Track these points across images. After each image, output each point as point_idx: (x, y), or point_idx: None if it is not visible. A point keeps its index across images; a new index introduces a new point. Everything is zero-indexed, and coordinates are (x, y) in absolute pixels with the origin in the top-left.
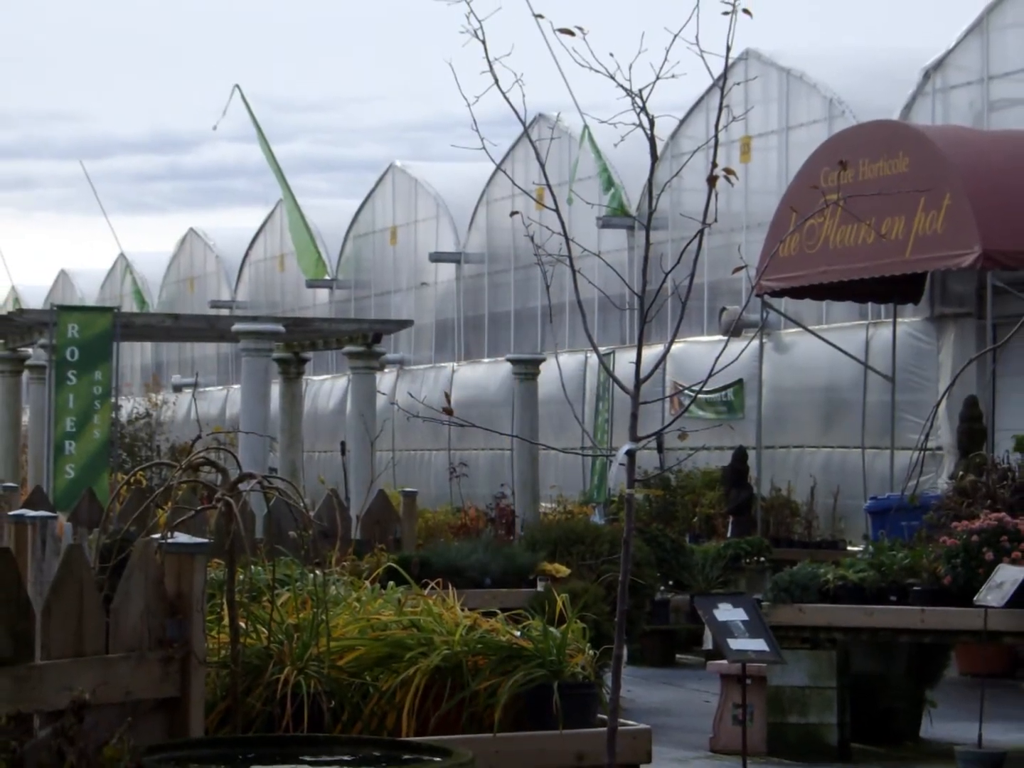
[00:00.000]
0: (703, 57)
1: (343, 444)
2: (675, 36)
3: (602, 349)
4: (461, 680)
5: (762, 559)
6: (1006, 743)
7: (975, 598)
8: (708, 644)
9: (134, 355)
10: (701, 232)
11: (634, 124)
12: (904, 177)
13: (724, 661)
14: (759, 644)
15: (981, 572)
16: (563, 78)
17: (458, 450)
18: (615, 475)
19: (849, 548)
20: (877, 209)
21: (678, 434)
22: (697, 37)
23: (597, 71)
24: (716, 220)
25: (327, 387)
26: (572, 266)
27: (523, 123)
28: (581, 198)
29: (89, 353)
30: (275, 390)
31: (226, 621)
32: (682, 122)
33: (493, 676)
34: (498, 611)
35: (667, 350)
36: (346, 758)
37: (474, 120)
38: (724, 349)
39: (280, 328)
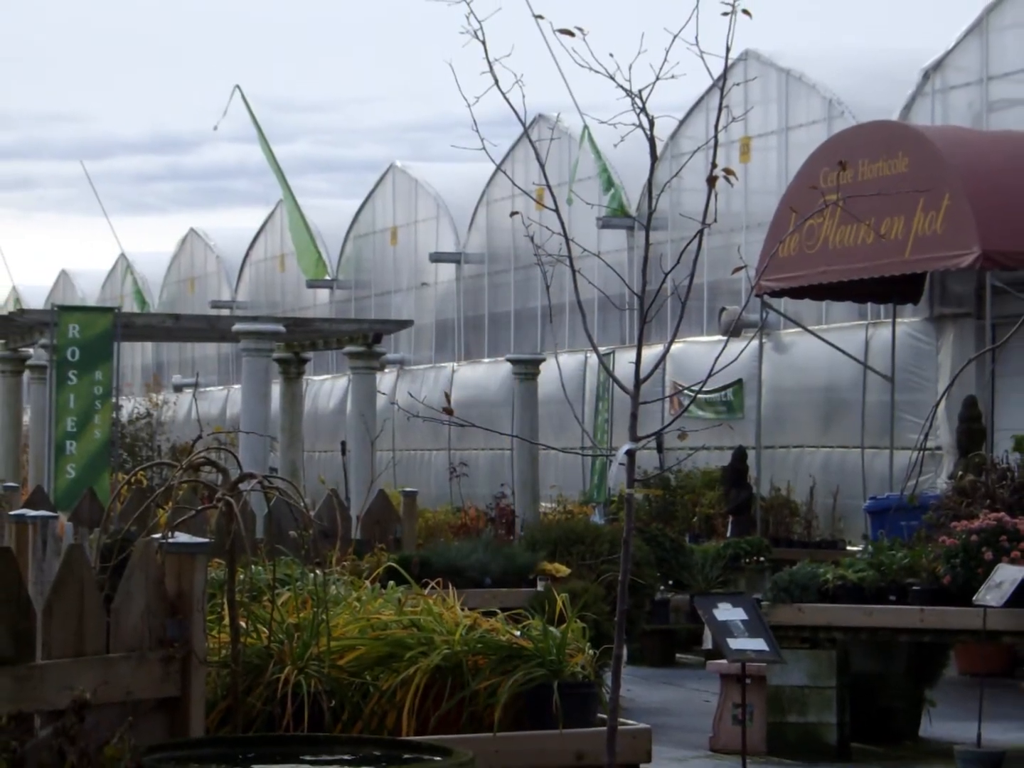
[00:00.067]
0: (703, 58)
1: (343, 444)
2: (675, 37)
3: (602, 349)
4: (461, 680)
5: (762, 559)
6: (1005, 742)
7: (974, 598)
8: (708, 644)
9: (135, 355)
10: (701, 232)
11: (634, 124)
12: (903, 177)
13: (724, 661)
14: (759, 644)
15: (980, 572)
16: (563, 78)
17: (458, 450)
18: (615, 475)
19: (848, 548)
20: (876, 209)
21: (678, 434)
22: (697, 38)
23: (597, 71)
24: (716, 220)
25: (327, 387)
26: (572, 266)
27: (523, 123)
28: (581, 198)
29: (90, 353)
30: (275, 390)
31: (227, 621)
32: (682, 122)
33: (493, 676)
34: (498, 611)
35: (667, 350)
36: (346, 757)
37: (474, 120)
38: (724, 349)
39: (280, 328)
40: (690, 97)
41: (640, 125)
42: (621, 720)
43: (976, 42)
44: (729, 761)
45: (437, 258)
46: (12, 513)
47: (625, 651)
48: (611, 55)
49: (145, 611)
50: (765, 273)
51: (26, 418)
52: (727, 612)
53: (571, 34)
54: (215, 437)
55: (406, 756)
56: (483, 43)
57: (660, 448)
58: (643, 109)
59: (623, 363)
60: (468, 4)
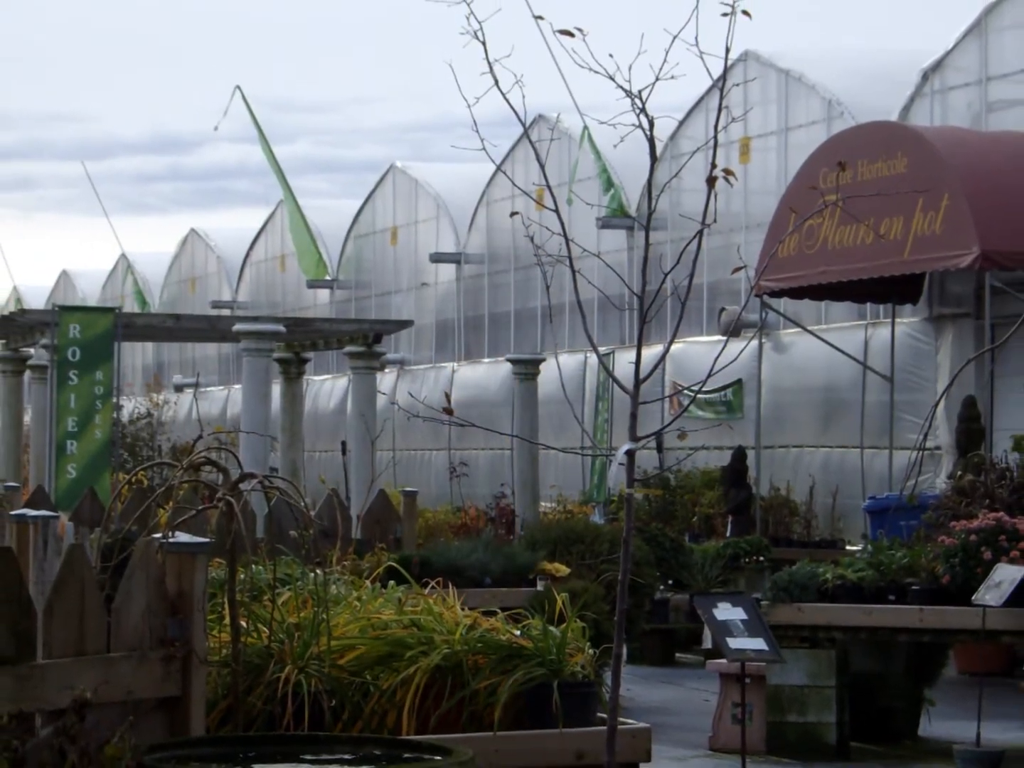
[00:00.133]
0: (702, 58)
1: (344, 444)
2: (674, 37)
3: (602, 349)
4: (461, 679)
5: (761, 558)
6: (1004, 742)
7: (973, 597)
8: (707, 643)
9: (135, 355)
10: (700, 232)
11: (634, 125)
12: (902, 178)
13: (723, 660)
14: (758, 643)
15: (979, 571)
16: (563, 79)
17: (458, 450)
18: (615, 475)
19: (848, 547)
20: (876, 210)
21: (677, 434)
22: (696, 38)
23: (597, 72)
24: (715, 220)
25: (328, 387)
26: (572, 266)
27: (523, 124)
28: (581, 199)
29: (91, 353)
30: (276, 390)
31: (227, 620)
32: (681, 123)
33: (493, 675)
34: (498, 610)
35: (666, 350)
36: (347, 757)
37: (474, 121)
38: (723, 349)
39: (281, 328)
40: (690, 98)
41: (640, 125)
42: (621, 719)
43: (975, 43)
44: (729, 760)
45: (437, 258)
46: (13, 513)
47: (625, 650)
48: (611, 56)
49: (146, 611)
50: (765, 273)
51: (27, 418)
52: (727, 612)
53: (571, 35)
54: (216, 437)
55: (406, 755)
56: (483, 44)
57: (660, 448)
58: (643, 110)
59: (623, 363)
60: (468, 5)
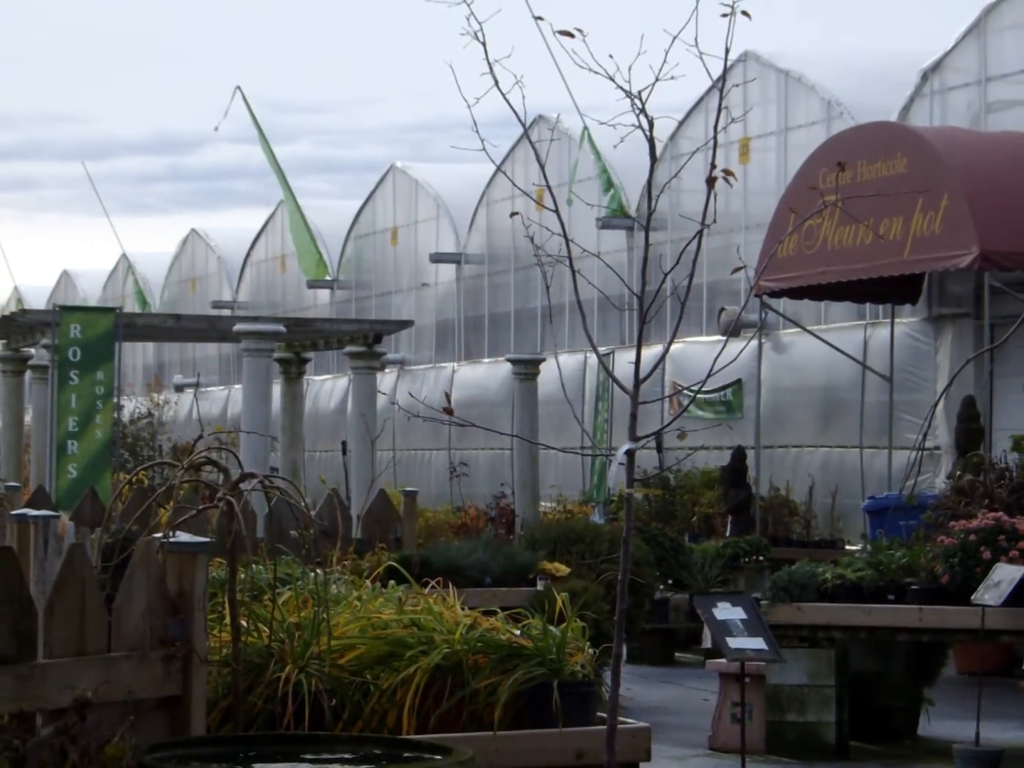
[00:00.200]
0: (702, 59)
1: (344, 444)
2: (674, 38)
3: (602, 349)
4: (461, 678)
5: (761, 558)
6: (1003, 741)
7: (973, 597)
8: (707, 643)
9: (136, 355)
10: (700, 233)
11: (633, 125)
12: (902, 178)
13: (723, 660)
14: (758, 643)
15: (979, 571)
16: (563, 80)
17: (458, 450)
18: (614, 474)
19: (847, 547)
20: (875, 210)
21: (677, 434)
22: (696, 39)
23: (597, 73)
24: (715, 221)
25: (328, 387)
26: (572, 267)
27: (523, 124)
28: (581, 199)
29: (91, 353)
30: (276, 390)
31: (227, 620)
32: (681, 123)
33: (493, 675)
34: (498, 610)
35: (666, 350)
36: (347, 756)
37: (474, 121)
38: (723, 349)
39: (281, 328)
40: (689, 98)
41: (640, 126)
42: (621, 719)
43: (974, 43)
44: (728, 760)
45: (437, 258)
46: (14, 512)
47: (625, 650)
48: (611, 56)
49: (146, 610)
50: (764, 273)
51: (28, 418)
52: (726, 611)
53: (571, 35)
54: (216, 437)
55: (406, 755)
56: (483, 44)
57: (660, 448)
58: (643, 110)
59: (623, 363)
60: (468, 5)
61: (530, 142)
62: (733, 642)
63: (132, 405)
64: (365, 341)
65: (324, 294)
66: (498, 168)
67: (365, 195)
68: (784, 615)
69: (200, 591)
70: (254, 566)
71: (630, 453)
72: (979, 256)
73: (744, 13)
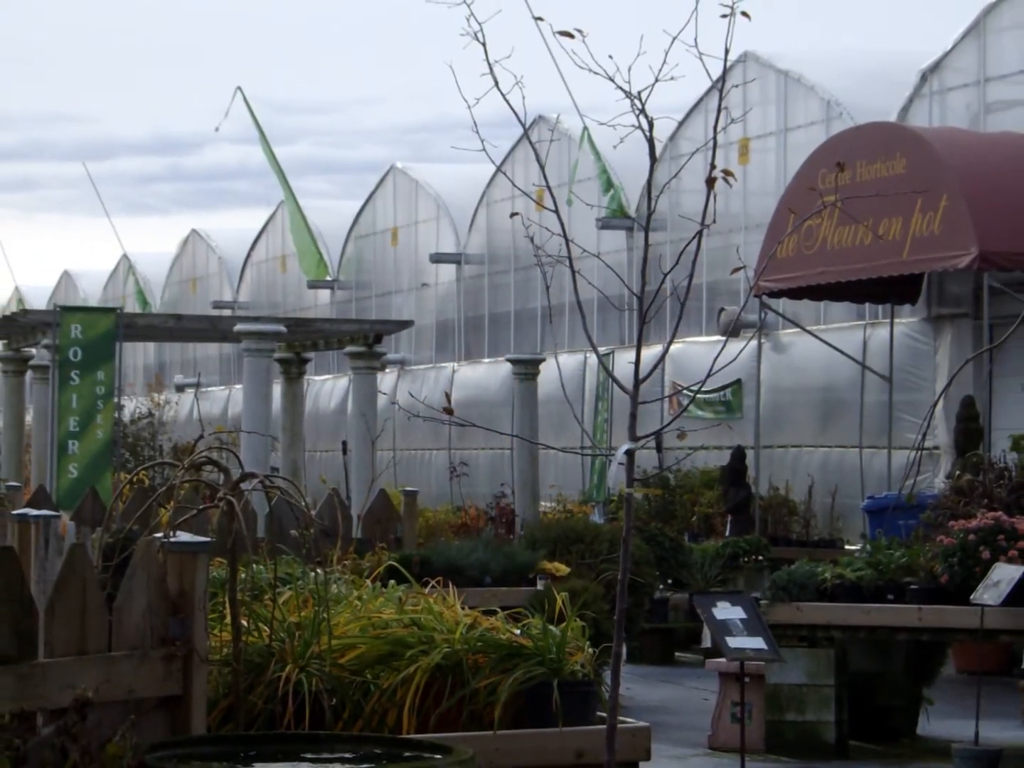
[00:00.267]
0: (702, 59)
1: (344, 444)
2: (674, 38)
3: (601, 349)
4: (461, 678)
5: (760, 558)
6: (1002, 740)
7: (972, 596)
8: (707, 642)
9: (137, 355)
10: (700, 233)
11: (633, 126)
12: (901, 178)
13: (723, 659)
14: (757, 642)
15: (978, 571)
16: (563, 80)
17: (458, 449)
18: (614, 474)
19: (847, 547)
20: (875, 210)
21: (677, 434)
22: (696, 39)
23: (596, 73)
24: (715, 221)
25: (328, 387)
26: (572, 267)
27: (523, 125)
28: (581, 199)
29: (92, 353)
30: (277, 390)
31: (228, 619)
32: (681, 124)
33: (493, 674)
34: (498, 609)
35: (666, 350)
36: (347, 755)
37: (474, 122)
38: (722, 349)
39: (282, 328)
40: (689, 99)
41: (639, 126)
42: (620, 718)
43: (974, 44)
44: (728, 759)
45: (437, 259)
46: (15, 512)
47: (624, 649)
48: (611, 57)
49: (147, 610)
50: (764, 274)
51: (29, 418)
52: (726, 611)
53: (571, 36)
54: (217, 437)
55: (407, 754)
56: (483, 45)
57: (659, 448)
58: (642, 110)
59: (622, 363)
60: (468, 6)
61: (530, 142)
62: (733, 641)
63: (133, 405)
64: (365, 341)
65: (324, 294)
66: (498, 168)
67: (365, 195)
68: (783, 615)
69: (201, 591)
70: (255, 566)
71: (630, 453)
72: (978, 256)
73: (744, 14)
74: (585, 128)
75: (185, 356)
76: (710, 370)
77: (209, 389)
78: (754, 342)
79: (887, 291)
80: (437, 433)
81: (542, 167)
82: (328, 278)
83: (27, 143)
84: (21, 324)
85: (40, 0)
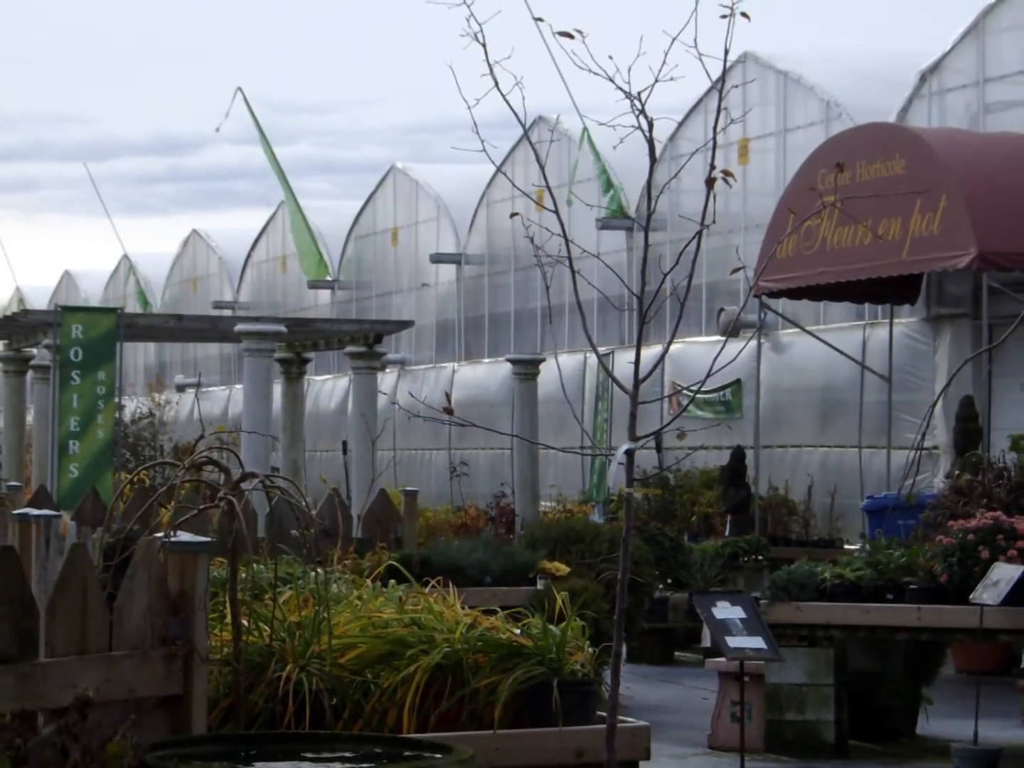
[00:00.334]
0: (701, 60)
1: (344, 444)
2: (674, 39)
3: (601, 349)
4: (461, 678)
5: (760, 558)
6: (1001, 740)
7: (971, 596)
8: (706, 642)
9: (137, 355)
10: (700, 233)
11: (633, 126)
12: (900, 179)
13: (722, 659)
14: (757, 642)
15: (977, 571)
16: (563, 81)
17: (459, 449)
18: (614, 474)
19: (846, 547)
20: (874, 211)
21: (676, 434)
22: (695, 40)
23: (596, 74)
24: (714, 221)
25: (329, 387)
26: (572, 267)
27: (523, 125)
28: (580, 200)
29: (93, 353)
30: (277, 390)
31: (228, 619)
32: (680, 124)
33: (493, 674)
34: (498, 609)
35: (666, 350)
36: (348, 755)
37: (474, 122)
38: (722, 349)
39: (282, 329)
40: (689, 99)
41: (639, 127)
42: (620, 718)
43: (973, 44)
44: (727, 758)
45: (438, 259)
46: (16, 512)
47: (624, 649)
48: (610, 57)
49: (148, 610)
50: (763, 274)
51: (29, 418)
52: (725, 610)
53: (571, 36)
54: (217, 437)
55: (407, 753)
56: (483, 45)
57: (659, 448)
58: (642, 111)
59: (622, 363)
60: (468, 6)
61: (530, 143)
62: (732, 641)
63: (133, 405)
64: (366, 341)
65: (325, 294)
66: (498, 169)
67: (366, 196)
68: (783, 614)
69: (201, 590)
70: (255, 565)
71: (630, 453)
72: (977, 257)
73: (743, 15)
74: (585, 128)
75: (186, 356)
76: (710, 370)
77: (210, 389)
78: (754, 342)
79: (886, 291)
80: (437, 433)
81: (542, 167)
82: (328, 278)
83: (28, 143)
84: (22, 324)
85: (40, 0)
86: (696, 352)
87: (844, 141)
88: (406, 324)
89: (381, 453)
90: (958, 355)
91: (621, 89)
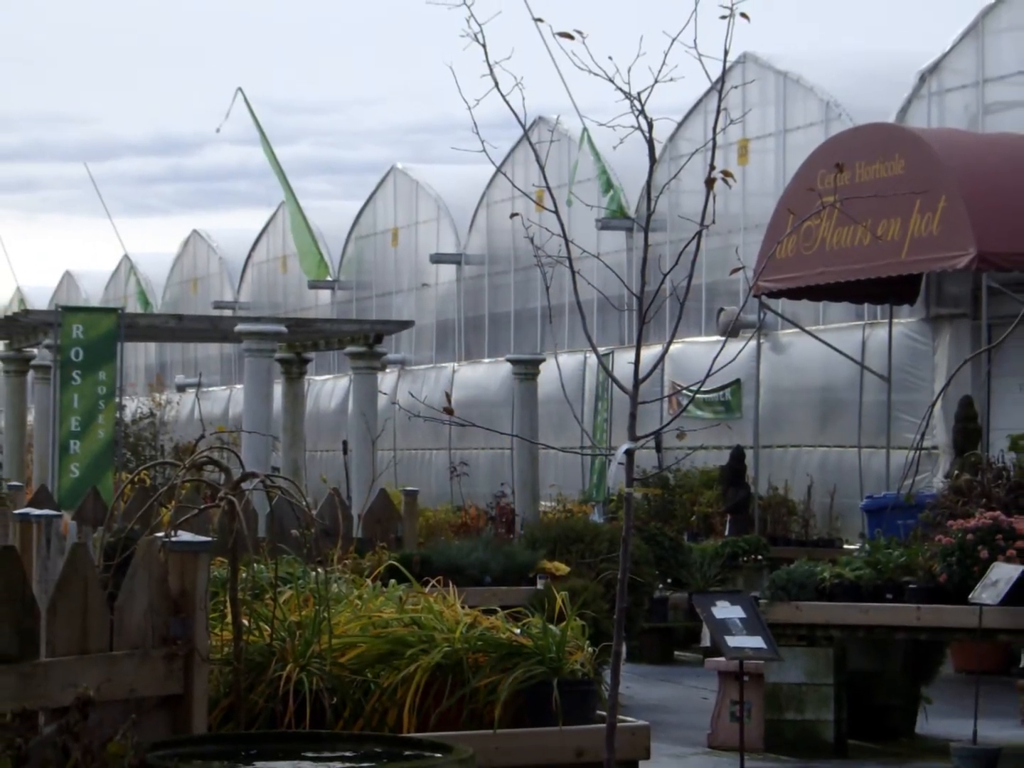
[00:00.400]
0: (701, 60)
1: (345, 443)
2: (673, 40)
3: (601, 349)
4: (462, 677)
5: (759, 557)
6: (1000, 739)
7: (970, 596)
8: (706, 641)
9: (138, 355)
10: (699, 233)
11: (633, 127)
12: (900, 179)
13: (722, 658)
14: (757, 641)
15: (976, 570)
16: (563, 81)
17: (459, 449)
18: (614, 474)
19: (846, 546)
20: (873, 211)
21: (676, 434)
22: (695, 40)
23: (596, 74)
24: (714, 222)
25: (329, 387)
26: (571, 267)
27: (523, 126)
28: (580, 200)
29: (94, 353)
30: (277, 390)
31: (229, 619)
32: (680, 125)
33: (493, 673)
34: (498, 609)
35: (665, 350)
36: (348, 754)
37: (474, 123)
38: (722, 349)
39: (282, 329)
40: (688, 100)
41: (639, 127)
42: (620, 717)
43: (972, 45)
44: (727, 758)
45: (438, 259)
46: (17, 512)
47: (624, 648)
48: (610, 58)
49: (148, 609)
50: (763, 274)
51: (30, 418)
52: (725, 610)
53: (571, 37)
54: (218, 436)
55: (407, 753)
56: (483, 46)
57: (659, 447)
58: (642, 111)
59: (622, 363)
60: (468, 7)
61: (530, 143)
62: (732, 641)
63: (134, 405)
64: (366, 341)
65: (325, 294)
66: (498, 169)
67: (366, 196)
68: (782, 614)
69: (202, 590)
70: (255, 565)
71: (629, 453)
72: (976, 257)
73: (743, 15)
74: (585, 129)
75: (186, 356)
76: (709, 370)
77: (210, 389)
78: (753, 342)
79: (886, 291)
80: (437, 433)
81: (542, 168)
82: (329, 278)
83: (29, 144)
84: (23, 324)
85: (41, 0)
86: (696, 352)
87: (843, 141)
88: (406, 324)
89: (381, 453)
90: (957, 355)
91: (621, 90)
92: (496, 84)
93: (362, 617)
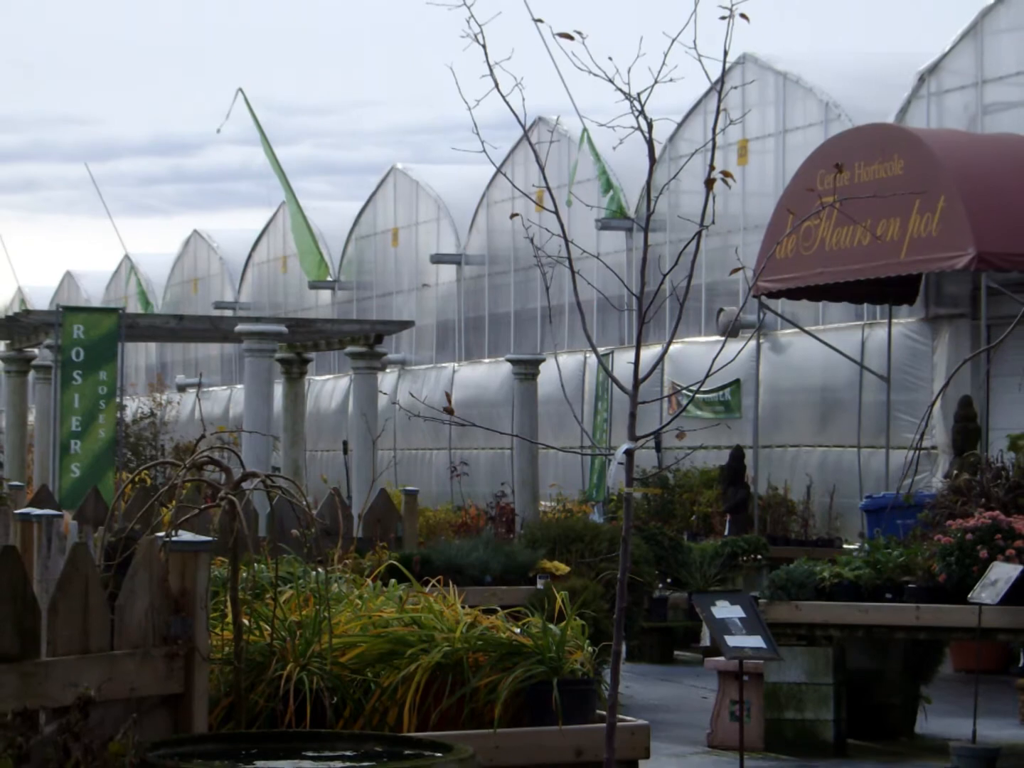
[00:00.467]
0: (701, 61)
1: (345, 443)
2: (673, 40)
3: (601, 349)
4: (462, 676)
5: (759, 557)
6: (1000, 739)
7: (969, 595)
8: (706, 641)
9: (139, 355)
10: (699, 234)
11: (632, 127)
12: (899, 180)
13: (722, 658)
14: (756, 641)
15: (975, 570)
16: (562, 82)
17: (459, 449)
18: (614, 474)
19: (845, 546)
20: (873, 211)
21: (676, 433)
22: (695, 41)
23: (596, 75)
24: (714, 222)
25: (329, 387)
26: (571, 267)
27: (523, 126)
28: (580, 200)
29: (94, 353)
30: (278, 390)
31: (229, 618)
32: (680, 125)
33: (493, 672)
34: (498, 608)
35: (665, 350)
36: (348, 753)
37: (474, 123)
38: (721, 349)
39: (283, 329)
40: (688, 100)
41: (639, 128)
42: (620, 716)
43: (971, 46)
44: (727, 757)
45: (438, 259)
46: (18, 511)
47: (624, 648)
48: (610, 58)
49: (149, 609)
50: (762, 274)
51: (31, 418)
52: (725, 610)
53: (570, 38)
54: (218, 436)
55: (407, 752)
56: (483, 47)
57: (658, 447)
58: (642, 112)
59: (622, 363)
60: (468, 8)
61: (530, 144)
62: (732, 640)
63: (135, 405)
64: (366, 341)
65: (325, 295)
66: (498, 170)
67: (366, 196)
68: (782, 613)
69: (202, 590)
70: (256, 565)
71: (629, 453)
72: (976, 257)
73: (743, 16)
74: (585, 129)
75: (187, 356)
76: (709, 370)
77: (210, 389)
78: (753, 342)
79: (885, 291)
80: (437, 433)
81: (542, 168)
82: (329, 278)
83: (30, 144)
84: (24, 324)
85: (41, 2)
86: (695, 352)
87: (843, 142)
88: (406, 324)
89: (381, 453)
90: (956, 355)
91: (621, 90)
92: (496, 85)
93: (362, 617)
